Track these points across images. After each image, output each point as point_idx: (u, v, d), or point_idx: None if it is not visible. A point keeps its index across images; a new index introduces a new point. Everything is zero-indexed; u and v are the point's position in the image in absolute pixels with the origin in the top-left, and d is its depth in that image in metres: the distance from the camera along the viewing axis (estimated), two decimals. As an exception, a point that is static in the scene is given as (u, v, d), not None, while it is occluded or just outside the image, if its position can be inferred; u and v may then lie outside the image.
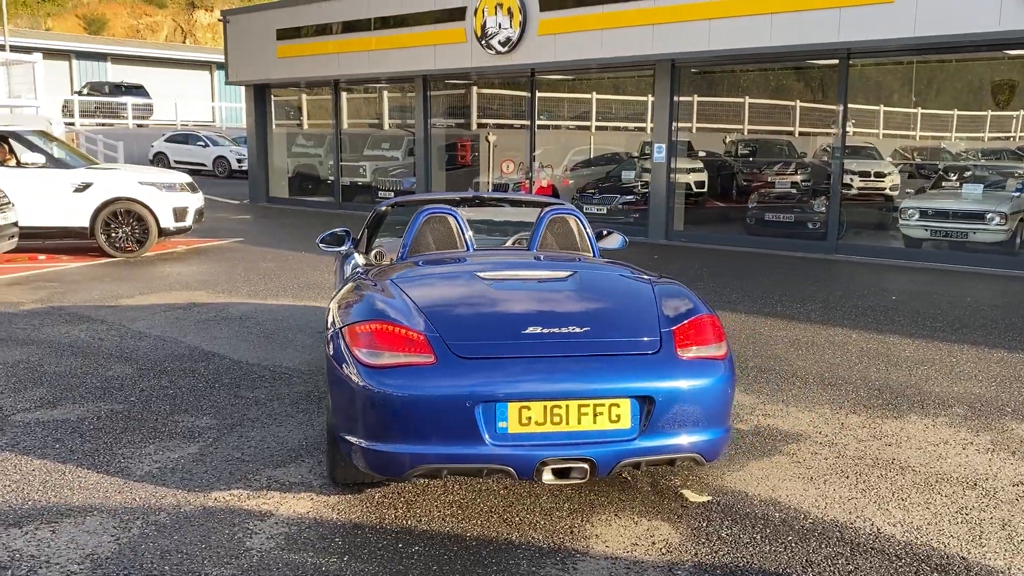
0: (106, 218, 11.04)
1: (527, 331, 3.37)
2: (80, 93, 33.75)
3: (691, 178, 15.37)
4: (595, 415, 3.26)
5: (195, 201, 11.76)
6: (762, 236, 13.14)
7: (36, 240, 11.03)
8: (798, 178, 14.37)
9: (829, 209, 12.34)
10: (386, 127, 19.92)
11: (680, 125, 14.02)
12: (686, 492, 3.81)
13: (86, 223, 11.01)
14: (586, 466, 3.22)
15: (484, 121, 17.80)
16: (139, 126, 32.91)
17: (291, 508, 3.54)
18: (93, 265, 10.43)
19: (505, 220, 6.63)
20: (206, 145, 28.50)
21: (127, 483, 3.78)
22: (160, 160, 28.99)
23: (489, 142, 17.91)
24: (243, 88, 21.14)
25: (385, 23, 16.84)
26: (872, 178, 14.06)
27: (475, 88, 17.57)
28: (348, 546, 3.22)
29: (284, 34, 18.85)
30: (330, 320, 3.74)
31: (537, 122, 16.01)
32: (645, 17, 13.14)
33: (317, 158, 20.58)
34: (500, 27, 14.95)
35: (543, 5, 14.35)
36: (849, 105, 12.09)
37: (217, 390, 5.20)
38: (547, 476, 3.22)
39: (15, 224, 9.74)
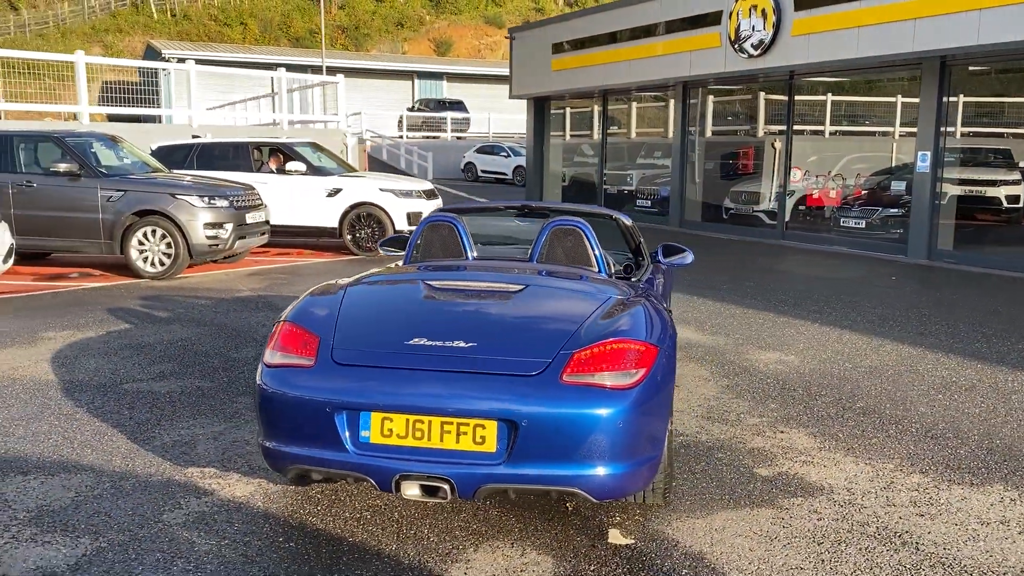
0: (352, 220, 12.38)
1: (411, 342, 3.33)
2: (412, 109, 37.58)
3: (1002, 192, 13.45)
4: (459, 434, 3.14)
5: (430, 207, 12.68)
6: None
7: (296, 237, 12.67)
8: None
9: None
10: (659, 135, 19.79)
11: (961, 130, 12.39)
12: (614, 531, 3.50)
13: (335, 224, 12.45)
14: (446, 486, 3.12)
15: (773, 128, 16.94)
16: (458, 138, 35.87)
17: (232, 492, 3.83)
18: (334, 261, 11.74)
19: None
20: (508, 156, 30.32)
21: (139, 451, 4.32)
22: (469, 169, 31.40)
23: (775, 149, 17.07)
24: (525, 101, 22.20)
25: (646, 32, 16.79)
26: None
27: (737, 94, 16.85)
28: (237, 531, 3.43)
29: (558, 48, 19.54)
30: None
31: (794, 127, 14.99)
32: (907, 11, 11.77)
33: (590, 167, 21.02)
34: (753, 30, 14.24)
35: (798, 4, 13.44)
36: None
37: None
38: (413, 491, 3.16)
39: (267, 222, 11.25)
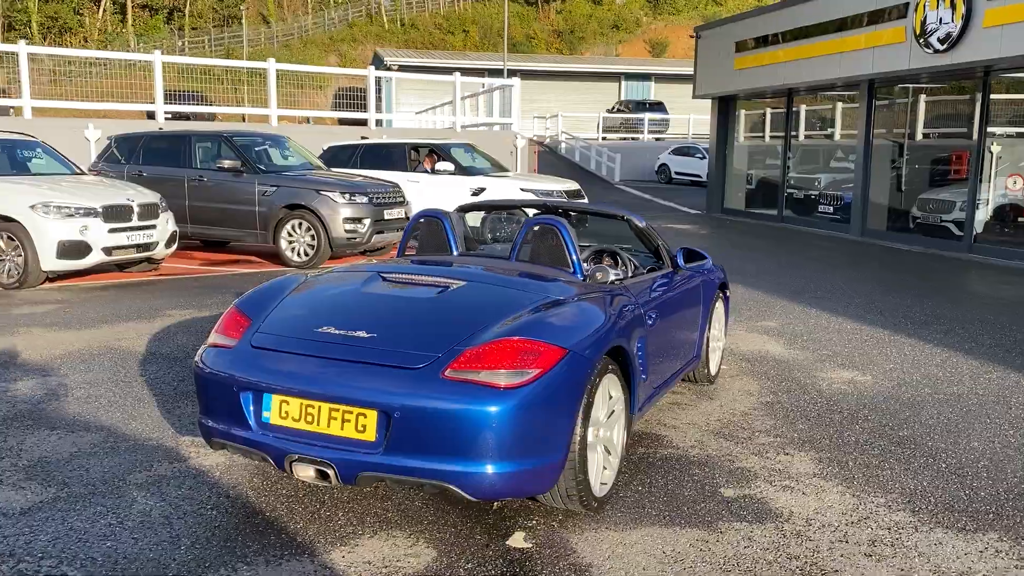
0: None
1: (319, 330, 3.47)
2: (611, 110, 37.61)
3: None
4: (343, 421, 3.24)
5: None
6: None
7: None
8: None
9: None
10: (837, 137, 18.55)
11: None
12: (519, 534, 3.44)
13: (478, 223, 12.78)
14: (329, 471, 3.23)
15: (962, 130, 15.46)
16: (656, 139, 35.47)
17: (201, 461, 4.15)
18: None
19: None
20: (703, 157, 29.50)
21: (157, 418, 4.77)
22: (663, 171, 30.96)
23: (992, 153, 15.56)
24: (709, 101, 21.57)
25: (827, 28, 15.81)
26: None
27: (928, 93, 15.41)
28: (177, 496, 3.73)
29: (740, 46, 18.85)
30: None
31: (988, 129, 13.49)
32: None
33: (774, 170, 20.09)
34: (940, 22, 13.03)
35: (991, -9, 12.12)
36: None
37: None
38: (306, 472, 3.30)
39: (406, 218, 11.80)
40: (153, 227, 9.78)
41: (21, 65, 13.60)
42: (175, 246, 10.33)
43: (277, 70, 15.82)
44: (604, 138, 35.29)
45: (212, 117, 20.21)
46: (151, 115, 17.99)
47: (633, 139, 35.97)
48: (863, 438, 4.69)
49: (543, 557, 3.26)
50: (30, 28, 43.26)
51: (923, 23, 13.33)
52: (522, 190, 12.61)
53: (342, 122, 23.64)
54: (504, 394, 3.15)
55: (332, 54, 51.51)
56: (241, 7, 50.68)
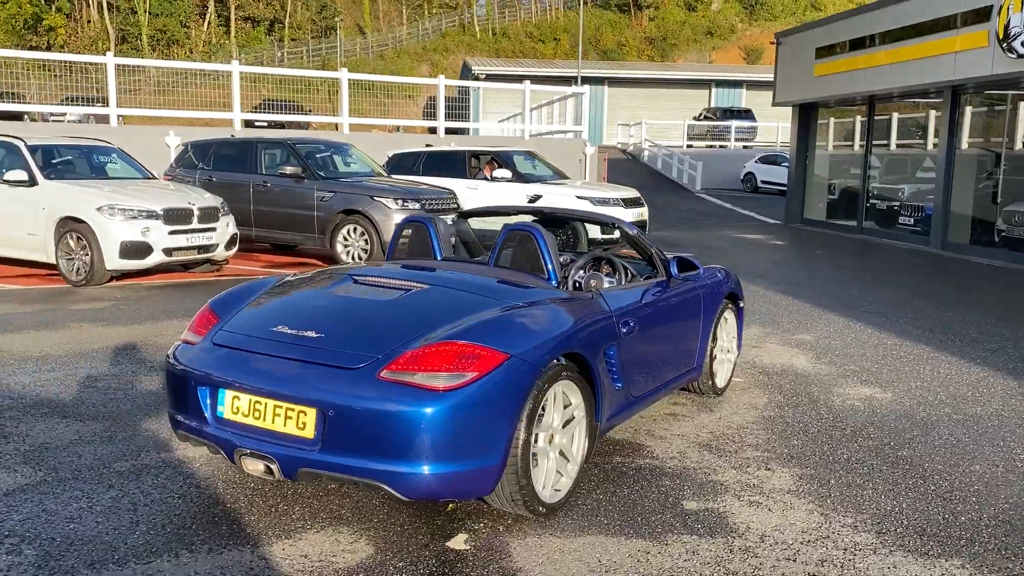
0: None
1: (274, 329, 3.58)
2: (698, 118, 37.06)
3: None
4: (286, 418, 3.34)
5: (628, 216, 12.66)
6: None
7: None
8: None
9: None
10: (930, 146, 17.80)
11: None
12: (460, 536, 3.47)
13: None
14: (272, 465, 3.34)
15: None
16: (744, 147, 34.75)
17: (186, 452, 4.32)
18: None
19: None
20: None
21: (155, 413, 5.00)
22: (749, 180, 30.32)
23: None
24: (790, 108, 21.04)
25: (907, 33, 15.24)
26: None
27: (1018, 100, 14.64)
28: (151, 484, 3.91)
29: (820, 52, 18.34)
30: None
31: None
32: None
33: (854, 179, 19.45)
34: (1024, 25, 12.38)
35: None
36: None
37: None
38: (255, 467, 3.42)
39: (461, 225, 11.95)
40: (213, 229, 10.20)
41: (109, 76, 14.40)
42: (235, 248, 10.74)
43: (349, 79, 16.25)
44: (690, 146, 34.80)
45: (307, 126, 20.89)
46: (249, 123, 18.82)
47: (721, 147, 35.36)
48: (857, 456, 4.53)
49: (476, 560, 3.28)
50: (140, 40, 45.71)
51: (1007, 27, 12.70)
52: (578, 197, 12.60)
53: (431, 130, 24.13)
54: (438, 396, 3.20)
55: (424, 63, 52.50)
56: (338, 19, 52.19)
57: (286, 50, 49.72)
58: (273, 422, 3.37)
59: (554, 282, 4.24)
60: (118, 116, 14.85)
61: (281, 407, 3.35)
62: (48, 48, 41.91)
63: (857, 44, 16.95)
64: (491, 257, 4.46)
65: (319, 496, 3.83)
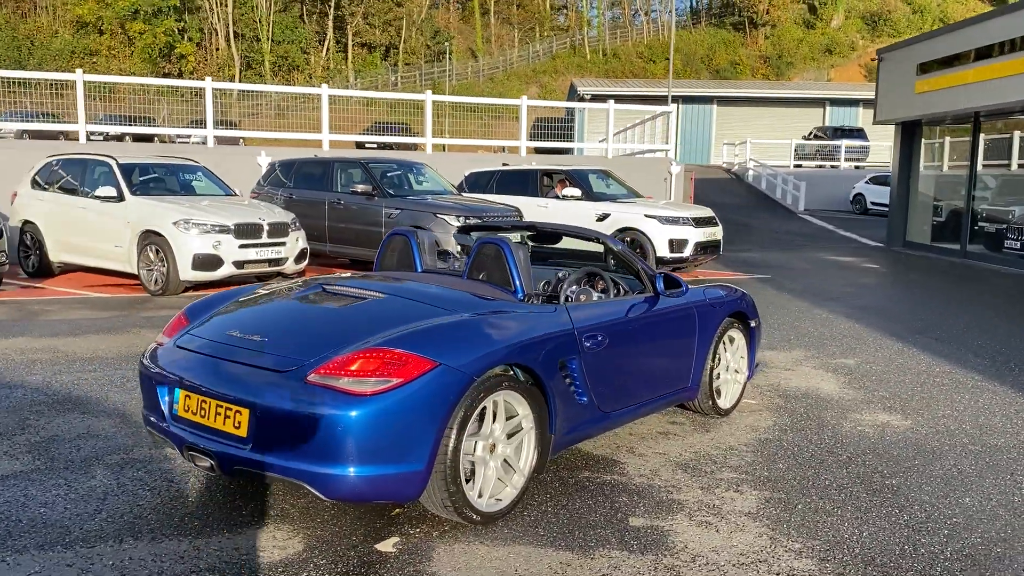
0: (617, 245, 12.66)
1: (228, 333, 3.77)
2: (807, 137, 35.97)
3: None
4: (225, 417, 3.51)
5: (696, 235, 12.47)
6: None
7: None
8: None
9: None
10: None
11: None
12: (392, 539, 3.55)
13: (600, 248, 12.80)
14: (212, 461, 3.52)
15: None
16: (856, 167, 33.49)
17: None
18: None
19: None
20: (900, 186, 27.55)
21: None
22: (858, 201, 29.23)
23: None
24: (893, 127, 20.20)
25: (1012, 46, 14.40)
26: None
27: None
28: (129, 477, 4.16)
29: (922, 68, 17.56)
30: None
31: None
32: None
33: (959, 199, 18.47)
34: None
35: None
36: None
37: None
38: (203, 463, 3.60)
39: (522, 241, 12.05)
40: (283, 244, 10.68)
41: (206, 99, 15.30)
42: (305, 262, 11.19)
43: (433, 101, 16.69)
44: (798, 166, 33.79)
45: (415, 147, 21.54)
46: (359, 145, 19.63)
47: (832, 167, 34.18)
48: (839, 483, 4.34)
49: (397, 562, 3.35)
50: (263, 67, 48.21)
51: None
52: (646, 215, 12.50)
53: (538, 151, 24.45)
54: (361, 401, 3.29)
55: (533, 85, 53.08)
56: (448, 43, 53.51)
57: (400, 74, 51.33)
58: (215, 420, 3.55)
59: (520, 294, 4.28)
60: (214, 137, 15.70)
61: (222, 407, 3.52)
62: (180, 75, 44.75)
63: (959, 59, 16.15)
64: (465, 269, 4.54)
65: (275, 495, 3.99)
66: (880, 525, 3.82)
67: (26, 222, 11.63)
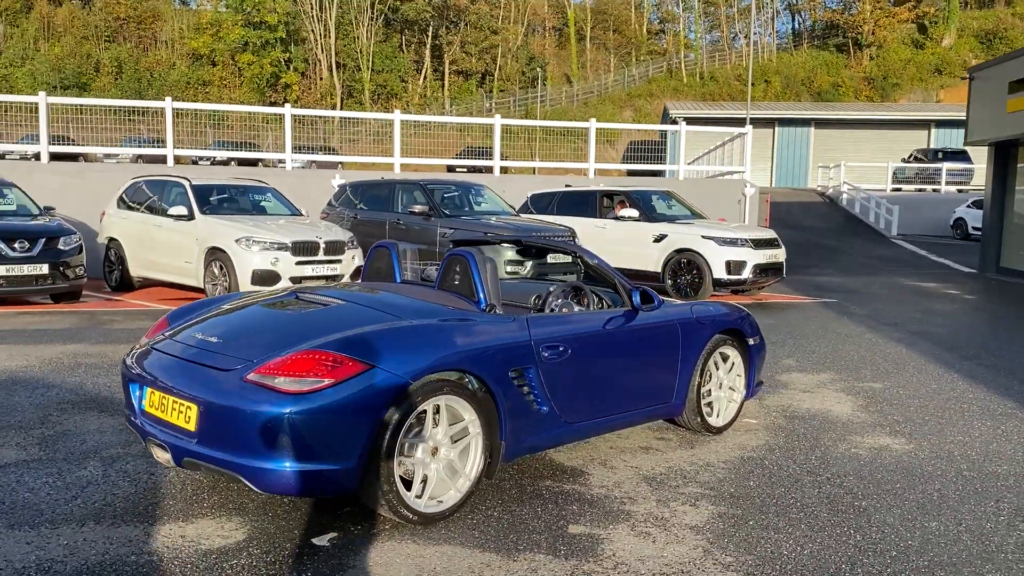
0: (673, 266, 12.58)
1: (195, 336, 4.02)
2: (907, 160, 34.66)
3: None
4: (178, 412, 3.76)
5: (756, 257, 12.25)
6: None
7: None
8: None
9: None
10: None
11: None
12: (330, 535, 3.70)
13: (658, 268, 12.78)
14: (167, 454, 3.76)
15: None
16: (959, 191, 32.07)
17: (170, 445, 4.87)
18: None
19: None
20: (1004, 211, 26.22)
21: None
22: (959, 226, 27.98)
23: None
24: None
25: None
26: None
27: None
28: (113, 470, 4.45)
29: (1013, 87, 16.78)
30: None
31: None
32: None
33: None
34: None
35: None
36: None
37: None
38: (162, 455, 3.86)
39: (573, 260, 12.13)
40: (339, 261, 11.09)
41: (285, 125, 16.03)
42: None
43: (502, 125, 16.98)
44: (896, 189, 32.60)
45: (500, 169, 22.01)
46: (451, 168, 20.21)
47: (934, 190, 32.83)
48: (803, 502, 4.25)
49: (325, 555, 3.50)
50: (363, 95, 49.88)
51: None
52: (703, 237, 12.35)
53: (631, 173, 24.52)
54: (291, 399, 3.48)
55: (627, 109, 53.02)
56: (539, 68, 54.08)
57: (494, 100, 52.15)
58: (171, 415, 3.79)
59: (483, 304, 4.39)
60: (305, 161, 16.45)
61: (177, 402, 3.77)
62: (283, 103, 46.74)
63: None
64: (436, 279, 4.69)
65: (239, 491, 4.20)
66: (826, 544, 3.74)
67: (111, 239, 12.46)
